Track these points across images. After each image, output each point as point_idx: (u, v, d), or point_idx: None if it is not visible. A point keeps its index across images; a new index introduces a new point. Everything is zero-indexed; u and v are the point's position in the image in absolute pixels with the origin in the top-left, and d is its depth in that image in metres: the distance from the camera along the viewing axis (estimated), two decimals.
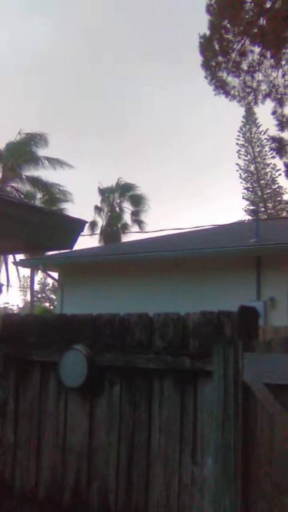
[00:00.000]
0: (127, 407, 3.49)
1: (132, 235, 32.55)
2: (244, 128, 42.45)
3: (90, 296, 14.72)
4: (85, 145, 68.73)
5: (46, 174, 29.85)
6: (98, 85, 70.64)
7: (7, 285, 29.32)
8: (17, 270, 29.25)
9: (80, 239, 5.37)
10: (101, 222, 34.39)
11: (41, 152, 29.66)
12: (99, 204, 34.68)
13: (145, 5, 62.38)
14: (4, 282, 29.22)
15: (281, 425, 2.80)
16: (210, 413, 3.08)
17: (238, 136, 42.60)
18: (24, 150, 29.07)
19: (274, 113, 13.68)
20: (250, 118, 41.62)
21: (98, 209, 34.56)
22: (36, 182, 29.52)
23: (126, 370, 3.49)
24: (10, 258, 26.77)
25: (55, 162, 29.30)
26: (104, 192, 34.72)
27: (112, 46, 66.90)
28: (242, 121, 42.03)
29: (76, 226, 5.18)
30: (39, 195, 29.57)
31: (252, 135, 42.35)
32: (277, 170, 39.66)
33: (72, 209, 29.71)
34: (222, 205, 68.16)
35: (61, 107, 72.70)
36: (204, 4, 12.96)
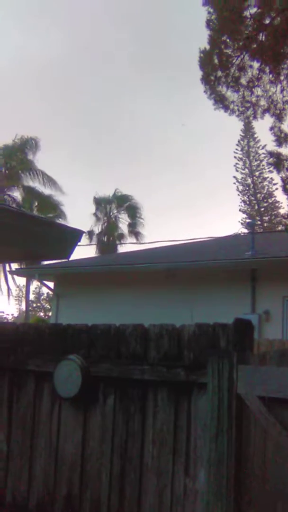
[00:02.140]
0: (120, 418, 3.49)
1: (128, 246, 32.65)
2: (242, 142, 42.65)
3: (85, 306, 14.70)
4: (83, 153, 68.92)
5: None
6: (97, 98, 71.05)
7: (8, 294, 29.28)
8: (4, 279, 29.23)
9: (77, 248, 5.39)
10: (97, 232, 34.46)
11: (35, 157, 29.92)
12: (95, 214, 34.77)
13: (145, 18, 62.97)
14: (1, 291, 29.18)
15: (274, 438, 2.81)
16: (203, 425, 3.08)
17: (237, 149, 42.85)
18: (19, 157, 29.19)
19: (272, 128, 13.78)
20: (248, 132, 41.83)
21: (94, 219, 34.66)
22: (32, 192, 29.60)
23: (121, 381, 3.49)
24: (6, 267, 26.74)
25: (49, 181, 29.50)
26: (101, 202, 34.81)
27: (112, 56, 67.35)
28: (240, 135, 42.29)
29: (73, 236, 5.20)
30: (35, 204, 29.67)
31: (250, 149, 42.58)
32: (274, 184, 39.88)
33: (67, 218, 29.86)
34: (219, 217, 68.26)
35: (59, 117, 73.07)
36: (204, 19, 13.10)
